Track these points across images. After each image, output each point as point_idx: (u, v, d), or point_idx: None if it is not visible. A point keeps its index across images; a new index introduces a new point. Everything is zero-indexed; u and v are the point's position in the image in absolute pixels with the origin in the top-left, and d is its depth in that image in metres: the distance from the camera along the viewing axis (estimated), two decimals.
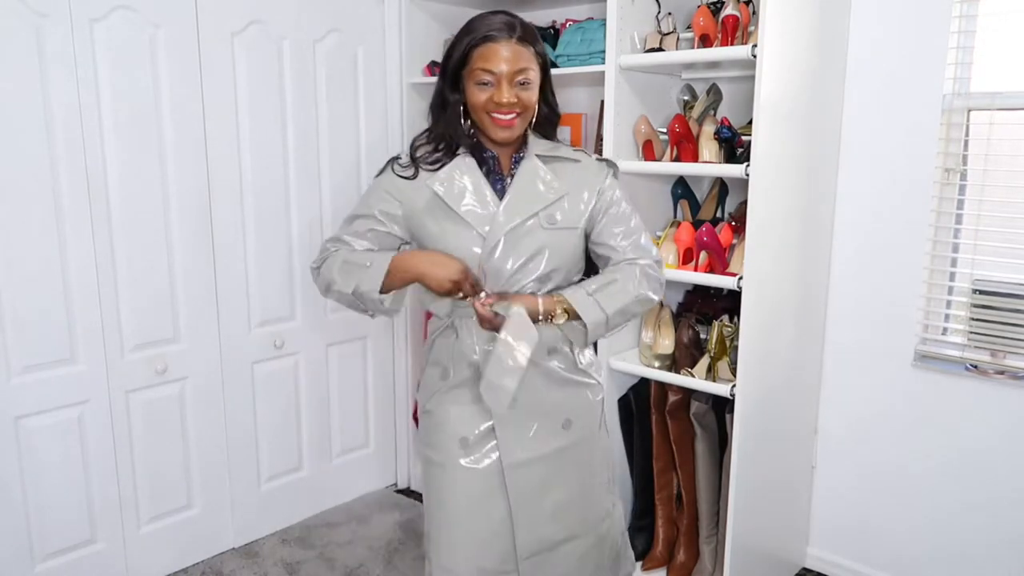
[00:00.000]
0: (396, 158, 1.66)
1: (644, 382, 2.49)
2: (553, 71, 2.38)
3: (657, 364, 2.37)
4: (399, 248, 1.66)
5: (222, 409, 2.63)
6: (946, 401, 2.31)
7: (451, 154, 1.60)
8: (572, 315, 1.57)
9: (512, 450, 1.62)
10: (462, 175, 1.59)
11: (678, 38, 2.32)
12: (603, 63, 2.33)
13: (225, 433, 2.65)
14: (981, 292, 2.23)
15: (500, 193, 1.59)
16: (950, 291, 2.31)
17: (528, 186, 1.59)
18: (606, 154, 2.34)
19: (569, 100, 3.00)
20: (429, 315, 1.84)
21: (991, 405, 2.23)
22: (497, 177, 1.62)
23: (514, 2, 2.94)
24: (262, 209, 2.63)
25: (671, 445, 2.41)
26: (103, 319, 2.30)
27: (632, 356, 2.47)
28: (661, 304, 2.54)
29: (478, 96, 1.53)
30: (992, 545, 2.29)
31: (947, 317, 2.33)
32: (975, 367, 2.25)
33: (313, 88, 2.72)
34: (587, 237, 1.66)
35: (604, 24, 2.31)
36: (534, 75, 1.54)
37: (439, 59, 2.94)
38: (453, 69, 1.57)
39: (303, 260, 2.76)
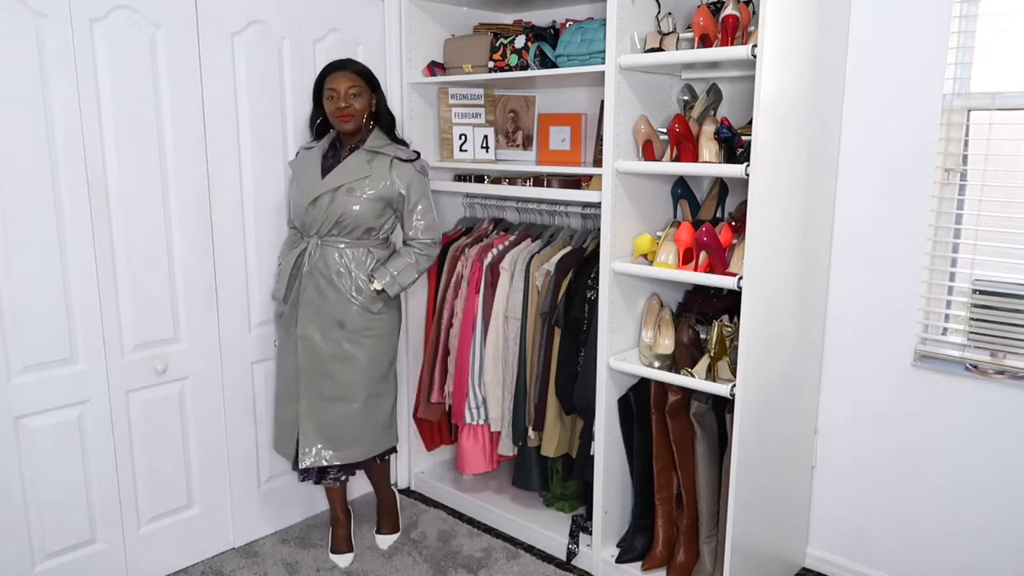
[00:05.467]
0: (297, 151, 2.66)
1: (644, 382, 2.49)
2: (553, 71, 2.49)
3: (657, 364, 2.37)
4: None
5: (222, 409, 2.63)
6: (946, 401, 2.31)
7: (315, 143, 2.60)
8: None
9: (302, 327, 2.50)
10: (310, 159, 2.52)
11: (678, 38, 2.32)
12: (603, 63, 2.33)
13: (225, 433, 2.65)
14: (981, 292, 2.23)
15: (328, 169, 2.48)
16: (950, 291, 2.31)
17: (342, 170, 2.44)
18: (606, 154, 2.34)
19: (569, 100, 3.01)
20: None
21: (991, 405, 2.23)
22: (335, 159, 2.51)
23: (514, 2, 2.94)
24: (262, 209, 2.63)
25: (671, 445, 2.41)
26: (103, 319, 2.30)
27: (632, 356, 2.47)
28: (661, 304, 2.55)
29: (329, 106, 2.45)
30: (992, 545, 2.29)
31: (947, 317, 2.33)
32: (975, 367, 2.25)
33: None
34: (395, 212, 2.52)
35: (604, 24, 2.31)
36: (361, 91, 2.44)
37: (439, 59, 2.96)
38: (316, 92, 2.51)
39: None
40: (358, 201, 2.41)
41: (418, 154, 2.54)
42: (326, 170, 2.46)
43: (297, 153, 2.60)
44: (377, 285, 2.46)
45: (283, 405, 2.58)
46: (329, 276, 2.44)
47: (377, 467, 2.73)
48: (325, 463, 2.51)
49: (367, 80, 2.46)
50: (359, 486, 3.09)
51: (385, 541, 2.79)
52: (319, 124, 2.58)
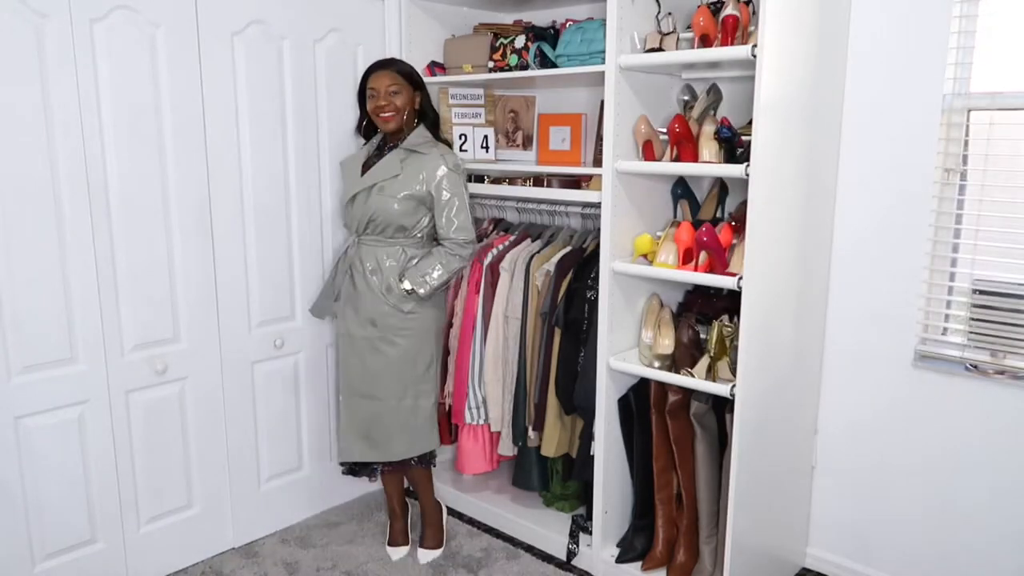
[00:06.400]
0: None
1: (644, 382, 2.49)
2: (553, 71, 2.49)
3: (657, 364, 2.37)
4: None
5: (222, 409, 2.63)
6: (946, 401, 2.31)
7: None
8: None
9: (342, 323, 2.60)
10: (358, 158, 2.61)
11: (678, 38, 2.32)
12: (603, 63, 2.33)
13: (225, 433, 2.65)
14: (981, 292, 2.23)
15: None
16: (950, 291, 2.31)
17: (380, 168, 2.48)
18: (606, 154, 2.34)
19: (569, 100, 3.00)
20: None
21: (991, 405, 2.23)
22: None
23: (514, 2, 2.94)
24: (262, 209, 2.63)
25: (671, 445, 2.41)
26: (103, 319, 2.30)
27: (632, 356, 2.47)
28: (661, 304, 2.55)
29: (371, 105, 2.49)
30: (992, 544, 2.29)
31: (947, 317, 2.33)
32: (975, 367, 2.25)
33: (313, 88, 2.72)
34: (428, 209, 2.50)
35: (604, 24, 2.31)
36: (402, 89, 2.47)
37: (439, 59, 2.96)
38: (360, 93, 2.56)
39: (303, 260, 2.77)
40: (390, 200, 2.42)
41: (453, 152, 2.55)
42: (366, 169, 2.52)
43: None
44: (406, 285, 2.45)
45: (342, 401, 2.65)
46: (363, 273, 2.48)
47: (417, 472, 2.68)
48: (357, 459, 2.56)
49: (408, 78, 2.48)
50: (359, 486, 3.09)
51: (425, 556, 2.70)
52: (366, 125, 2.63)
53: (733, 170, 2.08)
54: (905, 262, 2.33)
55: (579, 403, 2.57)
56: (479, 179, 2.88)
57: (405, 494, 2.81)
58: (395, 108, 2.44)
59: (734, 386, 2.13)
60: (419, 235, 2.50)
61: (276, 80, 2.61)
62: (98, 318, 2.29)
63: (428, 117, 2.55)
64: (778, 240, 2.18)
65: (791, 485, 2.51)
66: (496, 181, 2.85)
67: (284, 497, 2.87)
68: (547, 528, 2.77)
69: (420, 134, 2.50)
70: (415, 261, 2.48)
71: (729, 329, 2.25)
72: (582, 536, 2.69)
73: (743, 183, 2.08)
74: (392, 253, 2.48)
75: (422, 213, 2.47)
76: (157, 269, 2.40)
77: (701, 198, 2.59)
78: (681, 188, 2.54)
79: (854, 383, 2.48)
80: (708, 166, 2.21)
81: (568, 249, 2.69)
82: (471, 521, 2.96)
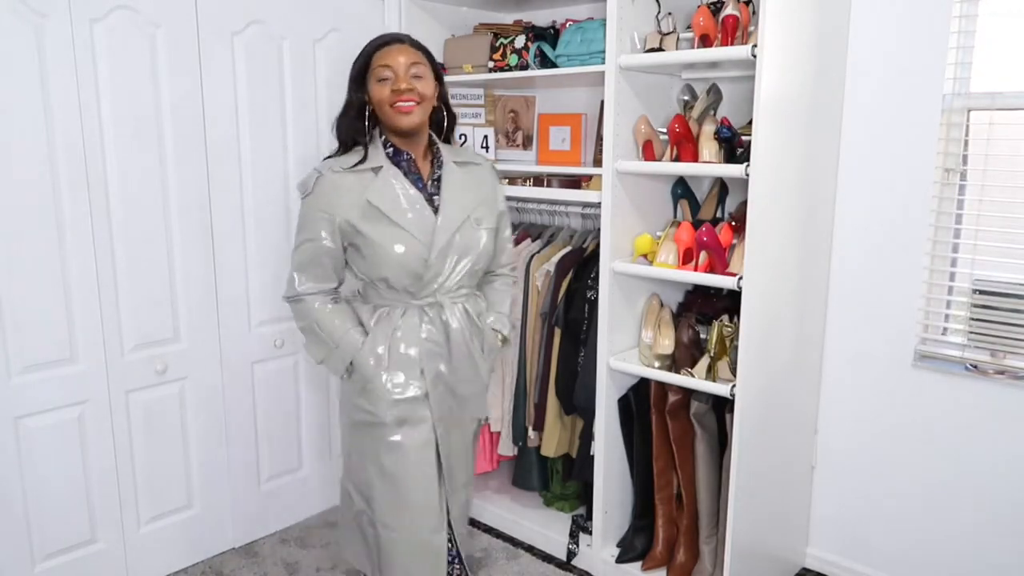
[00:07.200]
0: (319, 175, 1.82)
1: (644, 382, 2.49)
2: (553, 71, 2.46)
3: (657, 364, 2.37)
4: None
5: (222, 409, 2.63)
6: (946, 401, 2.31)
7: (362, 154, 1.82)
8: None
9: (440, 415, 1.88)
10: (392, 185, 1.79)
11: (678, 38, 2.32)
12: (603, 63, 2.33)
13: (225, 433, 2.65)
14: (981, 292, 2.23)
15: (427, 198, 1.82)
16: (950, 291, 2.31)
17: (458, 193, 1.84)
18: (606, 154, 2.34)
19: (569, 100, 3.00)
20: None
21: (991, 405, 2.23)
22: (416, 179, 1.84)
23: (514, 2, 2.94)
24: (262, 209, 2.63)
25: (671, 445, 2.41)
26: (103, 319, 2.30)
27: (632, 356, 2.47)
28: (661, 304, 2.55)
29: (381, 91, 1.77)
30: (992, 544, 2.29)
31: (947, 317, 2.33)
32: (975, 367, 2.25)
33: (313, 88, 2.72)
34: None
35: (604, 24, 2.31)
36: (426, 72, 1.80)
37: (439, 59, 2.95)
38: (357, 74, 1.81)
39: None
40: (481, 232, 1.87)
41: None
42: (424, 198, 1.82)
43: (316, 178, 1.80)
44: (505, 332, 2.00)
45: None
46: (465, 348, 1.87)
47: None
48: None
49: (430, 60, 1.85)
50: None
51: None
52: (350, 126, 1.84)
53: (733, 170, 2.08)
54: (905, 262, 2.33)
55: (579, 403, 2.57)
56: None
57: None
58: (419, 96, 1.77)
59: (734, 386, 2.13)
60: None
61: (276, 80, 2.61)
62: (98, 318, 2.29)
63: (449, 116, 1.94)
64: (778, 240, 2.18)
65: (791, 485, 2.51)
66: None
67: (284, 497, 2.87)
68: (547, 528, 2.77)
69: (440, 141, 1.94)
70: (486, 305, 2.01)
71: (729, 329, 2.25)
72: (582, 536, 2.69)
73: (743, 183, 2.08)
74: (477, 305, 1.94)
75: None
76: (157, 269, 2.40)
77: (701, 198, 2.59)
78: (681, 188, 2.54)
79: (854, 383, 2.48)
80: (708, 166, 2.21)
81: (568, 249, 2.69)
82: (471, 521, 2.96)
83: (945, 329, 2.34)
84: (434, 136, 1.90)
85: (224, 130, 2.50)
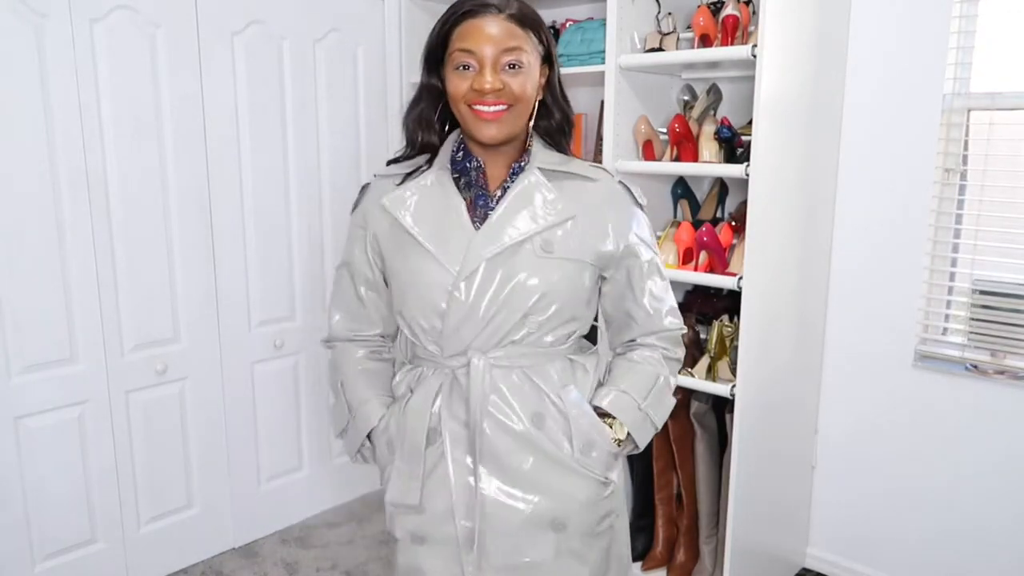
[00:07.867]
0: (368, 184, 1.39)
1: None
2: None
3: None
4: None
5: (222, 409, 2.63)
6: (946, 401, 2.31)
7: (427, 159, 1.32)
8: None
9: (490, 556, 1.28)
10: (427, 191, 1.27)
11: (678, 38, 2.32)
12: (603, 63, 2.33)
13: (225, 433, 2.65)
14: (981, 292, 2.23)
15: (481, 215, 1.26)
16: (950, 291, 2.31)
17: (521, 203, 1.24)
18: (606, 154, 2.34)
19: (569, 100, 3.00)
20: None
21: (991, 405, 2.23)
22: (480, 192, 1.28)
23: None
24: (262, 209, 2.63)
25: (671, 445, 2.41)
26: (103, 319, 2.30)
27: None
28: None
29: (457, 85, 1.21)
30: (991, 544, 2.28)
31: (947, 317, 2.33)
32: (975, 367, 2.25)
33: (313, 88, 2.72)
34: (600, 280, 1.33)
35: (604, 24, 2.31)
36: (529, 60, 1.21)
37: None
38: (430, 53, 1.27)
39: (303, 260, 2.77)
40: (560, 265, 1.24)
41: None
42: (476, 215, 1.27)
43: (363, 188, 1.39)
44: (624, 427, 1.30)
45: None
46: (523, 433, 1.25)
47: None
48: None
49: (538, 35, 1.24)
50: (359, 486, 3.09)
51: None
52: (422, 136, 1.32)
53: (733, 170, 2.08)
54: (905, 262, 2.33)
55: None
56: None
57: None
58: (512, 97, 1.20)
59: (734, 386, 2.13)
60: (581, 331, 1.34)
61: (276, 80, 2.61)
62: (98, 318, 2.29)
63: (554, 115, 1.32)
64: (778, 240, 2.18)
65: (791, 485, 2.51)
66: None
67: (284, 497, 2.87)
68: None
69: (545, 146, 1.33)
70: (600, 380, 1.35)
71: (729, 329, 2.25)
72: None
73: (743, 183, 2.08)
74: (563, 377, 1.29)
75: (593, 288, 1.32)
76: (157, 269, 2.40)
77: (701, 198, 2.59)
78: (681, 188, 2.54)
79: (854, 383, 2.48)
80: (708, 166, 2.21)
81: None
82: None
83: (945, 329, 2.34)
84: (536, 137, 1.32)
85: (224, 130, 2.50)
